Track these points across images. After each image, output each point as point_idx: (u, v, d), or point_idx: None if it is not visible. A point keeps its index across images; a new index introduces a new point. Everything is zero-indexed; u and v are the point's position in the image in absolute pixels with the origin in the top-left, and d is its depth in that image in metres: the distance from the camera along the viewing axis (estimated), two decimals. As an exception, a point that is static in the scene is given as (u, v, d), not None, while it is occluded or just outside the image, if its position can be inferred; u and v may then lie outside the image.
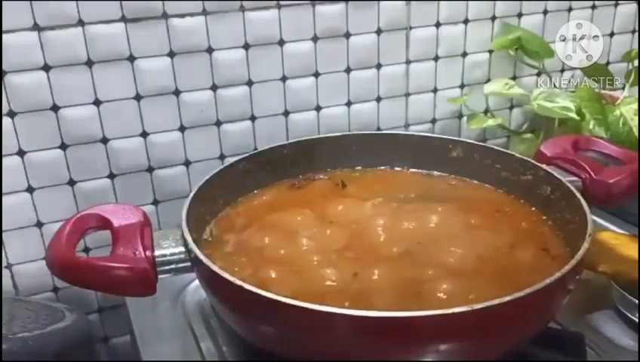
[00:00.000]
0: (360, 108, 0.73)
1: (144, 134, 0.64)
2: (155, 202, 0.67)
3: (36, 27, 0.56)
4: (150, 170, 0.66)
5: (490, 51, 0.77)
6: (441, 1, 0.71)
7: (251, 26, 0.64)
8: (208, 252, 0.49)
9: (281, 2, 0.64)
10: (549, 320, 0.45)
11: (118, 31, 0.59)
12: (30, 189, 0.61)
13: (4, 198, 0.60)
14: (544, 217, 0.55)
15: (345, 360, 0.40)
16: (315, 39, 0.67)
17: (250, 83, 0.66)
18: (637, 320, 0.51)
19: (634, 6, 0.82)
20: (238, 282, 0.39)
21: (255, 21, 0.64)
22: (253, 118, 0.68)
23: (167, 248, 0.45)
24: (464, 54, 0.76)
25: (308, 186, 0.62)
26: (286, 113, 0.69)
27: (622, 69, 0.80)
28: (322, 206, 0.57)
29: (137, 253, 0.43)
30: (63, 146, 0.61)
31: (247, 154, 0.60)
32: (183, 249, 0.45)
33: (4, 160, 0.59)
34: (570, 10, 0.79)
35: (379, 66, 0.72)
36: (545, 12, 0.77)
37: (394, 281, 0.46)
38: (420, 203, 0.58)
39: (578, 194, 0.50)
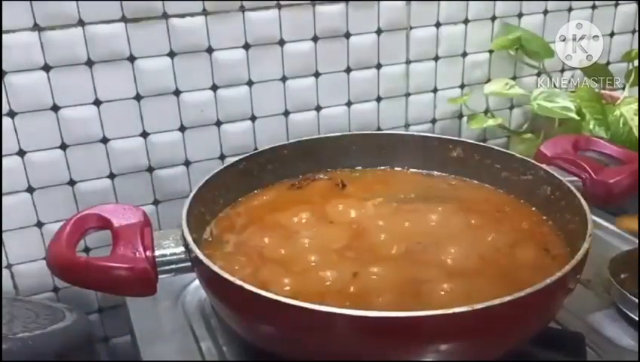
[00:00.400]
0: (360, 108, 0.73)
1: (144, 134, 0.64)
2: (155, 202, 0.67)
3: (36, 27, 0.56)
4: (150, 170, 0.66)
5: (490, 51, 0.77)
6: (441, 1, 0.71)
7: (251, 26, 0.64)
8: (208, 252, 0.49)
9: (281, 2, 0.64)
10: (549, 320, 0.45)
11: (118, 31, 0.59)
12: (30, 189, 0.61)
13: (4, 198, 0.60)
14: (544, 217, 0.55)
15: (345, 360, 0.40)
16: (315, 39, 0.67)
17: (250, 83, 0.66)
18: (637, 318, 0.51)
19: (634, 6, 0.82)
20: (238, 282, 0.39)
21: (255, 21, 0.64)
22: (253, 118, 0.68)
23: (168, 248, 0.45)
24: (464, 54, 0.76)
25: (308, 186, 0.62)
26: (286, 113, 0.69)
27: (622, 69, 0.80)
28: (322, 206, 0.57)
29: (137, 253, 0.43)
30: (63, 146, 0.61)
31: (247, 154, 0.60)
32: (183, 249, 0.45)
33: (4, 160, 0.59)
34: (570, 10, 0.79)
35: (379, 66, 0.72)
36: (545, 12, 0.77)
37: (394, 281, 0.46)
38: (419, 203, 0.58)
39: (578, 194, 0.50)
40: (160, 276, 0.45)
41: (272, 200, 0.59)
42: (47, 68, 0.58)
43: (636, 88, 0.75)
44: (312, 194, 0.60)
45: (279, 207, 0.57)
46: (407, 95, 0.75)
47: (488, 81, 0.78)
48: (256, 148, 0.68)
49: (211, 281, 0.44)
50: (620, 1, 0.81)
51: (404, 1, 0.70)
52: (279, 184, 0.62)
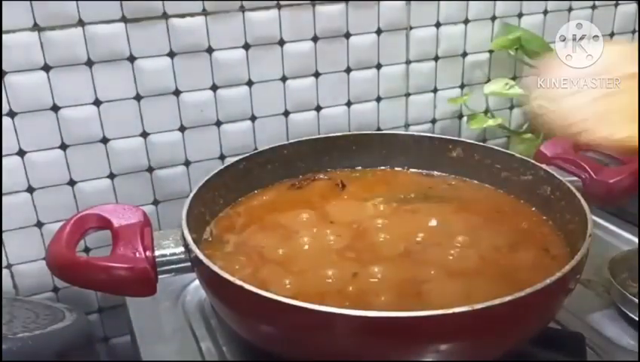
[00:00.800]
0: (360, 108, 0.73)
1: (144, 134, 0.64)
2: (155, 202, 0.67)
3: (36, 27, 0.56)
4: (150, 170, 0.66)
5: (490, 51, 0.77)
6: (441, 1, 0.71)
7: (251, 26, 0.64)
8: (208, 252, 0.49)
9: (281, 2, 0.64)
10: (549, 320, 0.45)
11: (118, 31, 0.59)
12: (30, 189, 0.61)
13: (4, 198, 0.60)
14: (544, 217, 0.55)
15: (345, 360, 0.40)
16: (315, 39, 0.67)
17: (250, 83, 0.66)
18: (637, 319, 0.51)
19: (634, 6, 0.82)
20: (238, 282, 0.39)
21: (255, 21, 0.64)
22: (253, 118, 0.68)
23: (167, 248, 0.45)
24: (464, 54, 0.76)
25: (308, 186, 0.62)
26: (286, 113, 0.69)
27: (622, 68, 0.80)
28: (322, 206, 0.57)
29: (137, 253, 0.43)
30: (63, 146, 0.61)
31: (247, 154, 0.60)
32: (183, 249, 0.45)
33: (4, 160, 0.59)
34: (570, 10, 0.79)
35: (379, 66, 0.72)
36: (545, 12, 0.77)
37: (394, 281, 0.46)
38: (419, 203, 0.58)
39: (578, 194, 0.50)
40: (160, 276, 0.45)
41: (272, 200, 0.59)
42: (47, 68, 0.58)
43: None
44: (312, 194, 0.60)
45: (279, 207, 0.57)
46: (407, 95, 0.75)
47: (488, 81, 0.78)
48: (256, 148, 0.68)
49: (211, 281, 0.44)
50: (619, 1, 0.81)
51: (404, 1, 0.70)
52: (279, 184, 0.62)
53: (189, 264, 0.45)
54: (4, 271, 0.63)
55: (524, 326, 0.42)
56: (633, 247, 0.61)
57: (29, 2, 0.55)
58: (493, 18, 0.75)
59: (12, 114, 0.58)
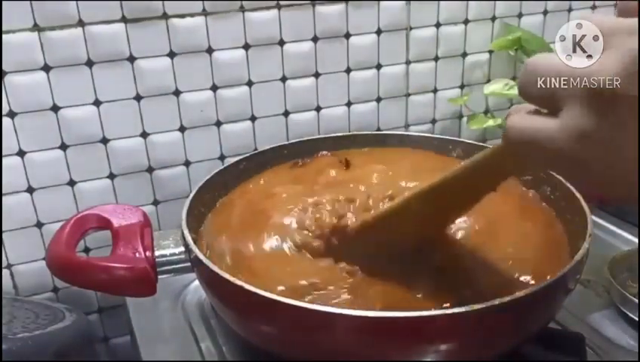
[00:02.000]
0: (360, 108, 0.73)
1: (144, 134, 0.64)
2: (155, 202, 0.67)
3: (36, 27, 0.56)
4: (150, 170, 0.66)
5: (490, 51, 0.77)
6: (441, 1, 0.71)
7: (251, 26, 0.64)
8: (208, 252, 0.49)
9: (281, 2, 0.64)
10: (549, 320, 0.45)
11: (118, 31, 0.59)
12: (30, 189, 0.61)
13: (4, 198, 0.60)
14: (544, 217, 0.55)
15: (345, 360, 0.40)
16: (315, 39, 0.67)
17: (250, 83, 0.66)
18: (637, 319, 0.51)
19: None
20: (238, 282, 0.39)
21: (255, 21, 0.64)
22: (253, 118, 0.68)
23: (167, 248, 0.45)
24: (464, 54, 0.76)
25: (310, 164, 0.60)
26: (286, 113, 0.69)
27: (622, 69, 0.80)
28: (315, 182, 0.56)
29: (137, 253, 0.44)
30: (63, 146, 0.61)
31: (247, 154, 0.60)
32: (183, 249, 0.45)
33: (4, 160, 0.59)
34: (570, 10, 0.79)
35: (379, 66, 0.72)
36: (545, 12, 0.77)
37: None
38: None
39: (578, 194, 0.50)
40: (160, 276, 0.45)
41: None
42: (47, 68, 0.58)
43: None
44: (315, 172, 0.58)
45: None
46: (407, 95, 0.75)
47: (488, 81, 0.78)
48: (256, 148, 0.68)
49: (211, 281, 0.44)
50: (619, 1, 0.81)
51: (404, 1, 0.70)
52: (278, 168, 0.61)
53: (189, 264, 0.45)
54: (4, 271, 0.63)
55: (524, 326, 0.42)
56: (633, 247, 0.61)
57: (29, 2, 0.55)
58: (493, 18, 0.75)
59: (12, 114, 0.58)
